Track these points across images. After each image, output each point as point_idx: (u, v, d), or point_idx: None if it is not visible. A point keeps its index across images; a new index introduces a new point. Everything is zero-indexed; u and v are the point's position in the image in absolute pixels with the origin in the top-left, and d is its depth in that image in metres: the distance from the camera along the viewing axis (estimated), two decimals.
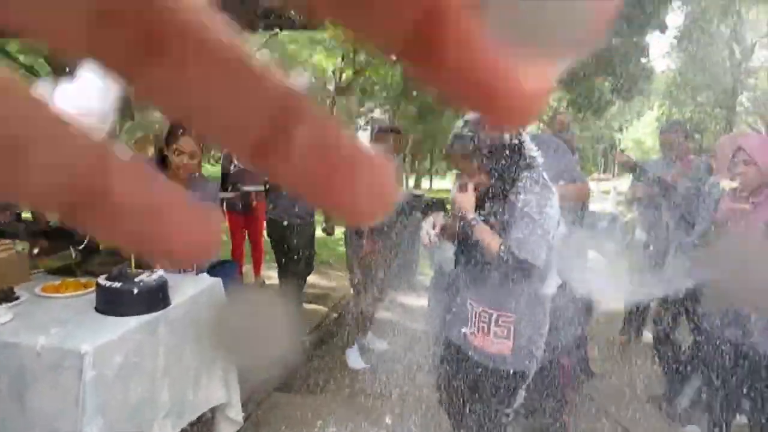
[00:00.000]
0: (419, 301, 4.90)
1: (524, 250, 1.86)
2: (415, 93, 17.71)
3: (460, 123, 2.05)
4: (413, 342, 4.54)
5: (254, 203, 5.26)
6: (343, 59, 16.04)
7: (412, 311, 5.02)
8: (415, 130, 22.94)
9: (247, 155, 0.17)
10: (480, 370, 2.09)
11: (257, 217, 5.46)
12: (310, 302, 5.23)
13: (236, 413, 2.76)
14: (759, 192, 2.34)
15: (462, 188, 2.01)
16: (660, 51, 25.60)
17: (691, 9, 20.77)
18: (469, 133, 1.98)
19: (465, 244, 2.11)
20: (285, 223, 4.29)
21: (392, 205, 0.18)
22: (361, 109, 29.09)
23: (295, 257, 4.37)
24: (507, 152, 1.93)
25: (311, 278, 5.31)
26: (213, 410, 2.69)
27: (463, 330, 2.15)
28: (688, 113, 24.74)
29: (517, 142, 1.97)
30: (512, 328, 2.02)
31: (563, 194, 2.08)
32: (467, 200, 1.99)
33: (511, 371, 2.05)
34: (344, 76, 15.67)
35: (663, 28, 15.39)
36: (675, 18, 23.51)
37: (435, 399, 3.25)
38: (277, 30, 6.70)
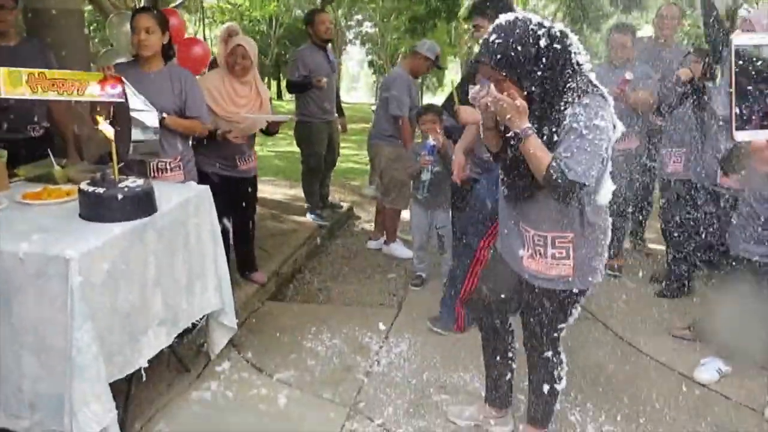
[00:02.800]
0: None
1: (572, 171, 1.65)
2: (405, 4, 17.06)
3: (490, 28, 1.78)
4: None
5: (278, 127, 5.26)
6: None
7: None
8: (406, 43, 22.28)
9: None
10: (538, 292, 1.97)
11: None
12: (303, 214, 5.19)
13: (230, 320, 2.75)
14: None
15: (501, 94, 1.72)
16: None
17: None
18: (499, 40, 1.70)
19: (511, 160, 1.86)
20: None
21: None
22: (350, 23, 28.12)
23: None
24: (549, 57, 1.69)
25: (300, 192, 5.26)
26: (207, 317, 2.69)
27: (519, 252, 1.99)
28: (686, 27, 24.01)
29: (560, 46, 1.71)
30: (571, 248, 1.88)
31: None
32: (519, 107, 1.68)
33: (574, 290, 1.94)
34: None
35: None
36: None
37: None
38: None
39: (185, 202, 2.44)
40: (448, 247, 3.79)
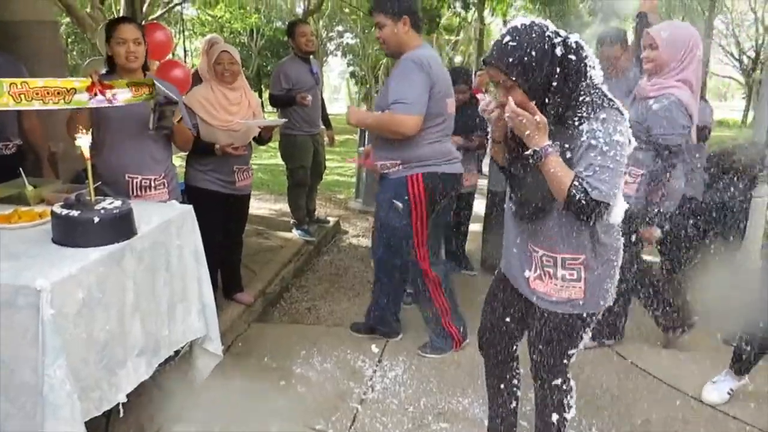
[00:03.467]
0: None
1: (596, 190, 1.55)
2: None
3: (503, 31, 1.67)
4: None
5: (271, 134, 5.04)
6: None
7: None
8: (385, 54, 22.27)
9: None
10: (547, 316, 1.85)
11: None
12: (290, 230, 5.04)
13: (215, 346, 2.59)
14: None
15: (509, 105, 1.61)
16: None
17: None
18: (513, 42, 1.59)
19: (522, 176, 1.75)
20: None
21: None
22: (331, 34, 28.10)
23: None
24: (564, 67, 1.59)
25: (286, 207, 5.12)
26: (191, 344, 2.53)
27: (526, 273, 1.88)
28: None
29: (575, 57, 1.60)
30: (582, 270, 1.77)
31: None
32: (539, 123, 1.57)
33: (584, 314, 1.83)
34: None
35: None
36: None
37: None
38: None
39: (167, 222, 2.29)
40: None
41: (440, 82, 2.73)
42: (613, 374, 2.92)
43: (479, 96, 3.80)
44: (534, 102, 1.62)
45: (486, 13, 19.20)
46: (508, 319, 2.01)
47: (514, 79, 1.61)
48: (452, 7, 17.87)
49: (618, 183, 1.58)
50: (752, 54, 26.29)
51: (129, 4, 8.34)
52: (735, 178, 3.80)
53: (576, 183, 1.57)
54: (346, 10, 22.24)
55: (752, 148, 3.83)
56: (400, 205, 2.79)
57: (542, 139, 1.60)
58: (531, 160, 1.63)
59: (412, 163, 2.76)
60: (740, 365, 2.67)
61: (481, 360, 2.20)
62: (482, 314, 2.12)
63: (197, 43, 22.70)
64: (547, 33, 1.61)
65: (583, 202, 1.55)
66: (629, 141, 1.62)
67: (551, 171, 1.60)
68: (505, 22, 26.16)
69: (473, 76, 4.57)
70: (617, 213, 1.69)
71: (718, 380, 2.75)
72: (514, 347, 2.10)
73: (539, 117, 1.58)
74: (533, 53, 1.58)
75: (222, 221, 3.28)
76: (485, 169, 4.21)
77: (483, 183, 4.59)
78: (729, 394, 2.70)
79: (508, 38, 1.61)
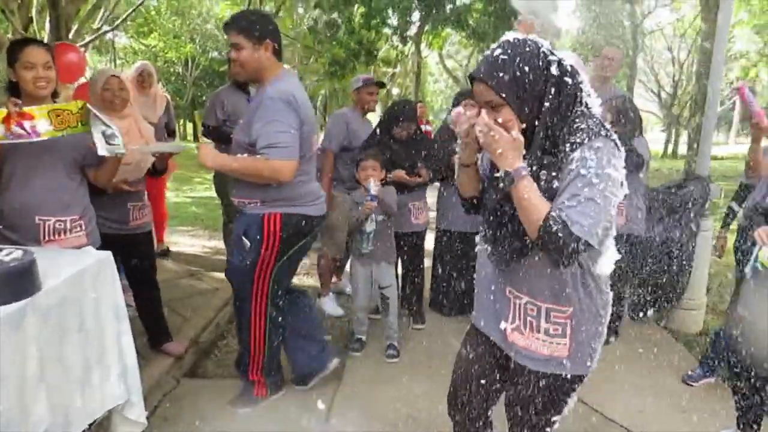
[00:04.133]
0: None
1: (577, 224, 1.34)
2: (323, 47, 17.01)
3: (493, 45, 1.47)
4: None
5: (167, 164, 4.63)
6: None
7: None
8: (326, 86, 22.26)
9: None
10: (527, 375, 1.64)
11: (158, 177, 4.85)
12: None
13: (138, 413, 2.26)
14: None
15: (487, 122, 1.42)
16: (567, 10, 25.96)
17: None
18: (504, 56, 1.41)
19: (499, 207, 1.54)
20: None
21: None
22: None
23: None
24: (558, 89, 1.42)
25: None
26: (110, 412, 2.18)
27: (502, 325, 1.66)
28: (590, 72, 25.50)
29: (571, 80, 1.43)
30: (569, 325, 1.55)
31: None
32: (514, 141, 1.39)
33: (568, 376, 1.61)
34: None
35: None
36: None
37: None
38: None
39: (80, 273, 1.97)
40: (393, 310, 3.46)
41: (308, 120, 2.54)
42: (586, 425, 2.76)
43: (455, 112, 3.62)
44: (524, 125, 1.44)
45: (423, 46, 19.50)
46: (482, 380, 1.79)
47: (503, 96, 1.41)
48: (390, 40, 18.04)
49: (602, 222, 1.38)
50: (670, 90, 27.81)
51: (54, 29, 7.86)
52: (683, 214, 3.79)
53: (554, 214, 1.36)
54: (284, 42, 22.13)
55: (698, 182, 3.83)
56: (248, 243, 2.57)
57: (516, 160, 1.40)
58: (501, 184, 1.43)
59: (272, 203, 2.55)
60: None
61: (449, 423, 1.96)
62: (453, 372, 1.88)
63: (128, 72, 21.95)
64: (543, 49, 1.44)
65: (560, 235, 1.33)
66: (622, 183, 1.43)
67: (524, 197, 1.39)
68: (440, 56, 26.77)
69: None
70: (607, 263, 1.51)
71: None
72: (489, 412, 1.87)
73: (515, 133, 1.40)
74: (526, 69, 1.40)
75: (125, 266, 3.00)
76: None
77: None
78: None
79: (499, 51, 1.43)
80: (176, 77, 25.75)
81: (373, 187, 3.17)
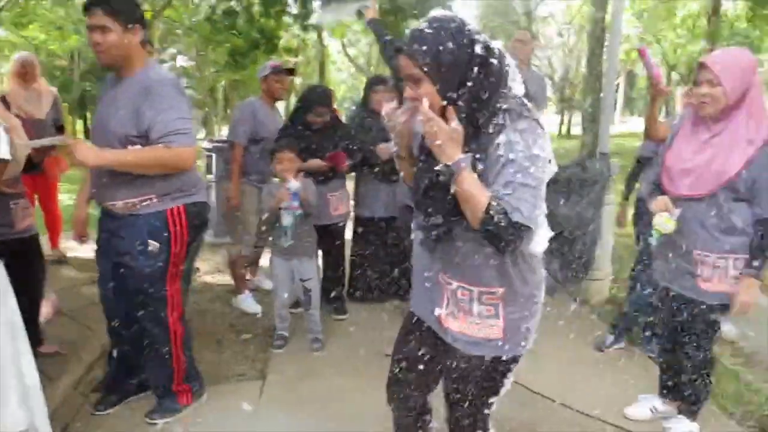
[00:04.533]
0: None
1: (517, 212, 1.33)
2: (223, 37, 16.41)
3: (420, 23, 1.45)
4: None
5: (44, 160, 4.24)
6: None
7: None
8: (226, 76, 21.58)
9: None
10: (463, 359, 1.62)
11: (49, 176, 4.47)
12: None
13: None
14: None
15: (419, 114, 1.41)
16: None
17: None
18: (430, 30, 1.38)
19: (432, 196, 1.52)
20: None
21: None
22: (162, 56, 26.63)
23: None
24: (483, 68, 1.40)
25: None
26: None
27: (437, 311, 1.64)
28: None
29: (496, 62, 1.42)
30: (501, 306, 1.55)
31: None
32: (453, 132, 1.37)
33: (503, 358, 1.60)
34: None
35: None
36: None
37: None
38: None
39: None
40: (316, 303, 3.37)
41: (190, 105, 2.45)
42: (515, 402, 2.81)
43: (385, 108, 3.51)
44: (445, 102, 1.41)
45: (325, 34, 19.30)
46: (421, 366, 1.76)
47: (425, 69, 1.39)
48: (290, 28, 17.69)
49: (540, 204, 1.40)
50: (562, 73, 29.21)
51: None
52: (589, 189, 3.96)
53: (494, 203, 1.35)
54: (179, 32, 21.15)
55: (601, 160, 4.01)
56: (156, 244, 2.38)
57: (455, 151, 1.38)
58: (441, 177, 1.40)
59: (172, 195, 2.40)
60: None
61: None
62: (392, 360, 1.84)
63: (7, 66, 20.25)
64: (468, 28, 1.42)
65: (503, 224, 1.33)
66: (550, 160, 1.44)
67: (465, 189, 1.37)
68: (342, 44, 26.64)
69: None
70: (540, 241, 1.52)
71: (643, 399, 2.75)
72: (428, 398, 1.85)
73: (455, 124, 1.37)
74: (450, 44, 1.38)
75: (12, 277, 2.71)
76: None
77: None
78: (652, 412, 2.69)
79: (424, 25, 1.41)
80: (62, 71, 24.03)
81: (294, 185, 3.05)
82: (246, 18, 15.08)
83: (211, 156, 5.67)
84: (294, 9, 15.33)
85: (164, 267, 2.43)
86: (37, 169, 2.87)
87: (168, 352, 2.55)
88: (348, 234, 4.04)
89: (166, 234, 2.39)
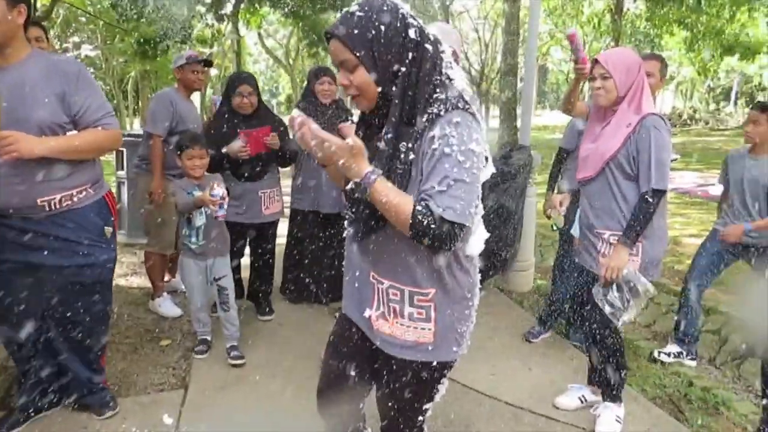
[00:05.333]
0: None
1: (450, 210, 1.27)
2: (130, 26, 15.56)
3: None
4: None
5: None
6: None
7: None
8: (135, 66, 20.55)
9: None
10: (395, 364, 1.54)
11: None
12: None
13: None
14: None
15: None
16: None
17: None
18: (361, 13, 1.31)
19: (356, 200, 1.43)
20: None
21: None
22: (66, 45, 24.99)
23: None
24: (417, 54, 1.34)
25: None
26: None
27: (367, 312, 1.55)
28: None
29: (431, 48, 1.36)
30: (432, 308, 1.47)
31: None
32: (352, 149, 1.28)
33: (435, 363, 1.52)
34: (39, 3, 12.63)
35: None
36: None
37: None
38: None
39: None
40: (233, 303, 3.18)
41: None
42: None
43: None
44: (380, 89, 1.35)
45: (240, 25, 18.74)
46: (352, 372, 1.66)
47: (358, 54, 1.32)
48: (204, 18, 17.04)
49: (475, 202, 1.33)
50: (478, 68, 29.90)
51: None
52: (513, 181, 4.01)
53: (420, 207, 1.28)
54: (83, 19, 19.90)
55: (524, 151, 4.07)
56: (110, 229, 2.39)
57: (360, 167, 1.30)
58: (355, 195, 1.33)
59: (100, 182, 2.38)
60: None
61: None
62: (322, 366, 1.74)
63: None
64: (402, 11, 1.35)
65: (432, 226, 1.26)
66: (487, 158, 1.39)
67: (383, 201, 1.29)
68: (259, 35, 26.00)
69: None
70: (475, 242, 1.46)
71: (572, 388, 2.80)
72: (361, 405, 1.76)
73: (352, 140, 1.28)
74: (383, 28, 1.31)
75: None
76: None
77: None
78: (580, 401, 2.74)
79: (356, 8, 1.33)
80: None
81: (219, 192, 2.82)
82: (155, 6, 14.38)
83: (122, 151, 5.29)
84: None
85: (116, 251, 2.45)
86: None
87: (102, 347, 2.53)
88: (282, 230, 3.89)
89: (111, 219, 2.40)
